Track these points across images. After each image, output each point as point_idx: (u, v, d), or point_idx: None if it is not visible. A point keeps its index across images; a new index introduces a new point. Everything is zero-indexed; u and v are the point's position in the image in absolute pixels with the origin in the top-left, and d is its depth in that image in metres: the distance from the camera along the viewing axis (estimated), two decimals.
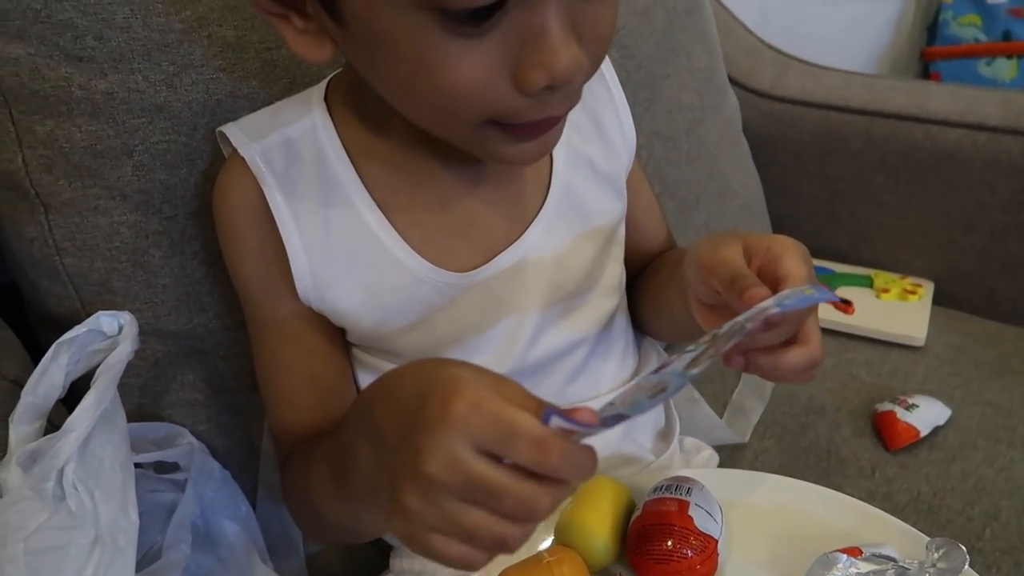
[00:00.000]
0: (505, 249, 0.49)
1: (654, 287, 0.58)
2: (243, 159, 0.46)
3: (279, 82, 0.54)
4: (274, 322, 0.49)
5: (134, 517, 0.44)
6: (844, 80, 1.00)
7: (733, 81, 1.01)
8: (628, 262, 0.59)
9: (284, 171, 0.47)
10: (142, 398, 0.54)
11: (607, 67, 0.55)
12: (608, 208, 0.54)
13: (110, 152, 0.50)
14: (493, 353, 0.50)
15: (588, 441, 0.34)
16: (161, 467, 0.54)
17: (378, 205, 0.47)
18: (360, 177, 0.47)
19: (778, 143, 1.00)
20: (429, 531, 0.32)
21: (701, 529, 0.46)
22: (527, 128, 0.41)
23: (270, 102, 0.52)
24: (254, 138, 0.47)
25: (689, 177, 0.86)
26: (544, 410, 0.32)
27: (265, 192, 0.46)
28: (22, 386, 0.49)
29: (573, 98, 0.41)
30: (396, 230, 0.47)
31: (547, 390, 0.51)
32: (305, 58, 0.42)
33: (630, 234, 0.59)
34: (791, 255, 0.42)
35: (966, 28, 1.38)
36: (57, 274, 0.52)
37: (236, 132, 0.47)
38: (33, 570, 0.41)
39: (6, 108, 0.49)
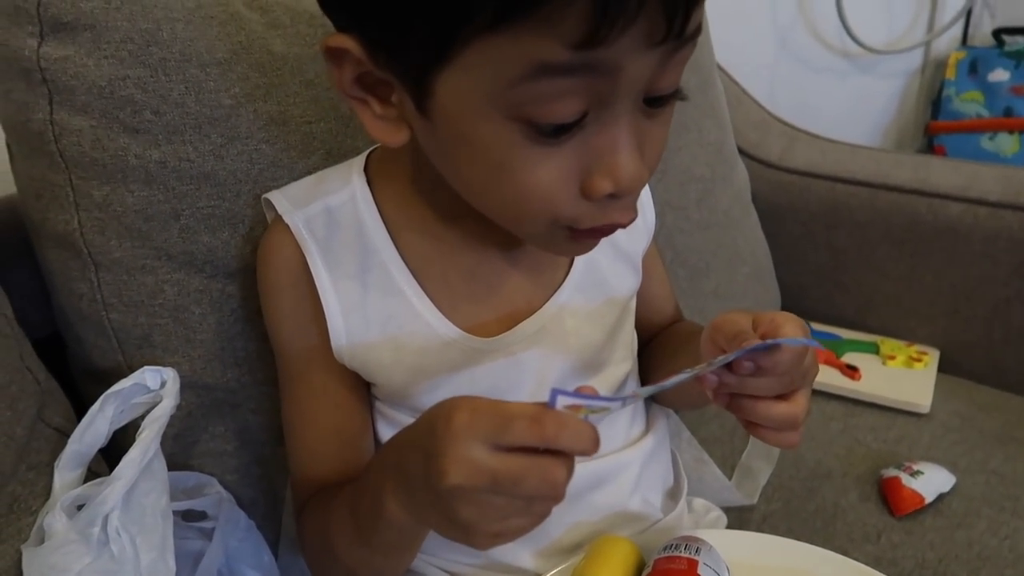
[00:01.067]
0: (528, 317, 0.53)
1: (665, 356, 0.61)
2: (287, 225, 0.50)
3: (316, 153, 0.59)
4: (305, 375, 0.52)
5: (172, 564, 0.46)
6: (850, 153, 1.04)
7: (742, 152, 1.05)
8: (638, 330, 0.62)
9: (325, 238, 0.50)
10: (174, 447, 0.57)
11: None
12: (625, 284, 0.58)
13: (159, 216, 0.54)
14: None
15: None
16: (189, 515, 0.56)
17: (411, 272, 0.50)
18: (395, 245, 0.51)
19: (786, 213, 1.03)
20: (480, 528, 0.37)
21: None
22: (591, 232, 0.44)
23: (308, 172, 0.56)
24: (297, 206, 0.51)
25: (700, 245, 0.89)
26: (549, 397, 0.36)
27: (307, 257, 0.50)
28: (65, 433, 0.52)
29: (632, 209, 0.44)
30: (428, 296, 0.50)
31: None
32: (380, 141, 0.44)
33: (641, 305, 0.62)
34: (791, 324, 0.44)
35: (968, 104, 1.42)
36: (103, 328, 0.55)
37: (281, 200, 0.51)
38: None
39: (66, 174, 0.53)
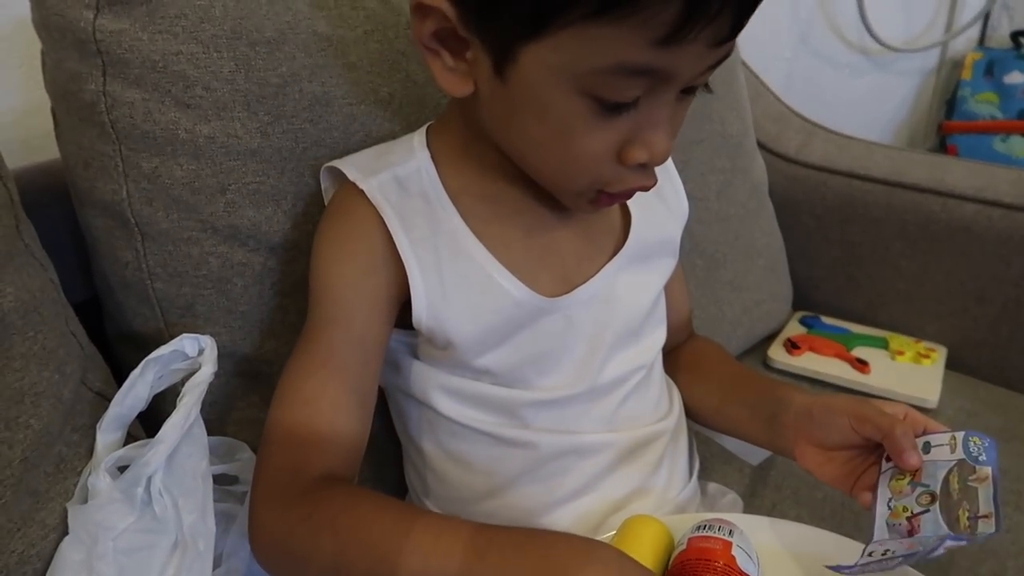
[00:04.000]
0: (584, 282, 0.56)
1: (710, 397, 0.66)
2: (361, 191, 0.51)
3: (356, 135, 0.60)
4: (348, 319, 0.52)
5: (212, 525, 0.48)
6: (867, 150, 1.05)
7: (761, 145, 1.06)
8: None
9: (397, 203, 0.52)
10: (210, 413, 0.58)
11: None
12: (667, 263, 0.63)
13: (206, 189, 0.55)
14: (569, 374, 0.56)
15: None
16: (222, 479, 0.57)
17: (476, 236, 0.53)
18: (460, 212, 0.53)
19: (802, 207, 1.05)
20: None
21: (743, 569, 0.49)
22: (614, 196, 0.51)
23: (349, 150, 0.58)
24: (367, 174, 0.52)
25: (717, 236, 0.90)
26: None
27: (386, 221, 0.51)
28: (105, 397, 0.54)
29: (654, 176, 0.50)
30: (495, 257, 0.53)
31: (603, 411, 0.57)
32: (446, 90, 0.48)
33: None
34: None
35: (983, 105, 1.44)
36: (146, 296, 0.57)
37: (351, 168, 0.53)
38: (120, 567, 0.45)
39: (116, 144, 0.54)
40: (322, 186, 0.58)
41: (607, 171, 0.48)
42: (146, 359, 0.50)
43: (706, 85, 0.48)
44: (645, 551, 0.50)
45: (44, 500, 0.47)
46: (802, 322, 1.03)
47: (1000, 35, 1.54)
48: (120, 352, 0.61)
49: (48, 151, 0.62)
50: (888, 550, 0.47)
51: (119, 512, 0.46)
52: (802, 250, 1.05)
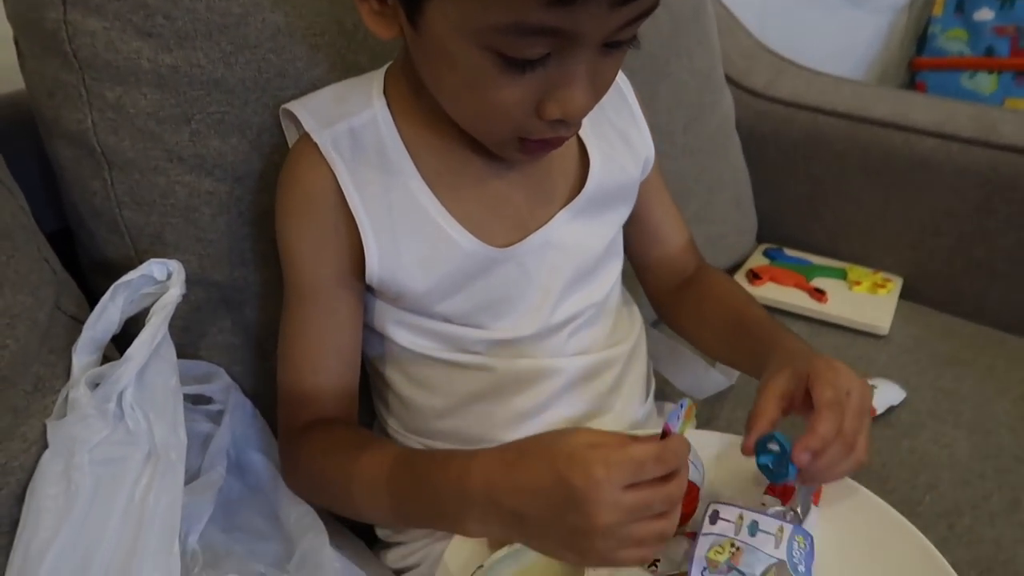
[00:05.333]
0: (536, 231, 0.57)
1: (721, 334, 0.66)
2: (315, 144, 0.53)
3: (320, 65, 0.61)
4: (318, 294, 0.56)
5: (183, 437, 0.50)
6: (834, 86, 1.07)
7: (730, 80, 1.07)
8: (652, 267, 0.70)
9: (351, 158, 0.53)
10: (184, 339, 0.60)
11: (628, 89, 0.65)
12: (624, 208, 0.64)
13: (171, 119, 0.56)
14: (522, 317, 0.58)
15: None
16: (199, 400, 0.60)
17: (430, 188, 0.54)
18: (415, 164, 0.54)
19: (768, 141, 1.06)
20: (616, 555, 0.42)
21: (688, 478, 0.53)
22: (538, 144, 0.51)
23: (313, 83, 0.59)
24: (323, 124, 0.53)
25: (684, 170, 0.92)
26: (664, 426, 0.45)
27: (338, 177, 0.53)
28: (80, 321, 0.56)
29: (576, 128, 0.52)
30: (447, 210, 0.54)
31: (555, 342, 0.60)
32: (374, 32, 0.49)
33: (648, 234, 0.69)
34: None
35: (952, 42, 1.45)
36: (116, 225, 0.58)
37: (306, 116, 0.54)
38: (97, 477, 0.47)
39: (80, 74, 0.55)
40: (283, 124, 0.59)
41: (525, 123, 0.48)
42: (115, 284, 0.52)
43: (634, 39, 0.47)
44: None
45: (24, 416, 0.49)
46: (766, 254, 1.06)
47: None
48: (93, 280, 0.62)
49: (15, 82, 0.63)
50: None
51: (93, 426, 0.48)
52: (768, 184, 1.07)
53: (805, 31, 1.42)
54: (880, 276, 1.00)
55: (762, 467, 0.54)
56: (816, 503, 0.55)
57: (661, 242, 0.70)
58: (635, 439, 0.43)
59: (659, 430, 0.46)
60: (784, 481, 0.53)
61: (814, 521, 0.54)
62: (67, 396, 0.50)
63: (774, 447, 0.52)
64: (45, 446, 0.49)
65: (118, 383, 0.49)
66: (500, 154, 0.54)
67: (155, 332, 0.50)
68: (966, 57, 1.43)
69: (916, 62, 1.49)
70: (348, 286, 0.56)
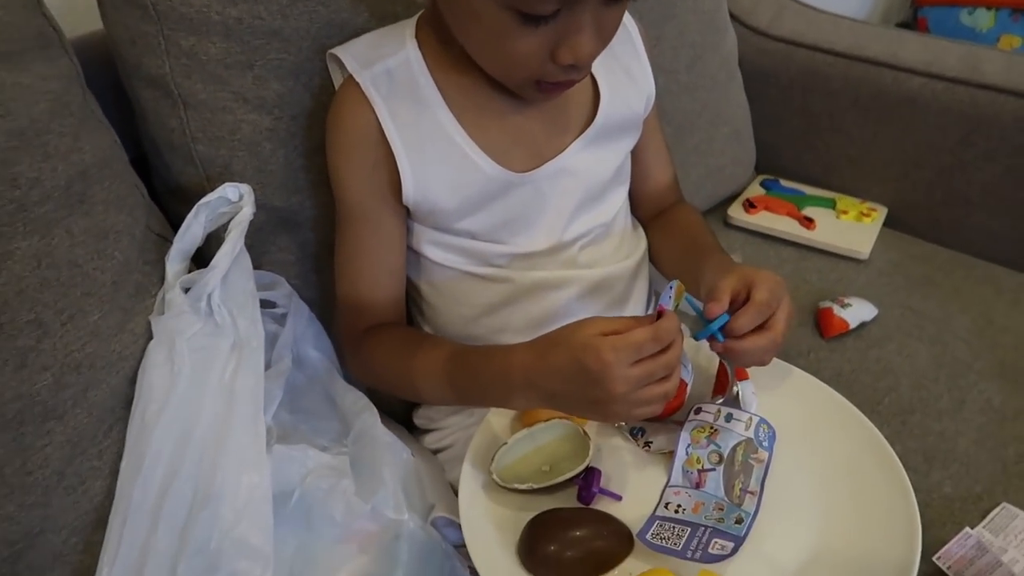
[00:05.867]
0: (552, 159, 0.67)
1: (676, 254, 0.76)
2: (357, 84, 0.62)
3: (362, 15, 0.69)
4: (368, 216, 0.65)
5: (261, 330, 0.61)
6: (833, 24, 1.13)
7: (734, 18, 1.13)
8: (636, 197, 0.78)
9: (388, 95, 0.62)
10: (251, 255, 0.70)
11: (634, 29, 0.72)
12: (630, 138, 0.73)
13: (237, 65, 0.65)
14: (538, 234, 0.68)
15: None
16: (264, 305, 0.69)
17: (456, 120, 0.63)
18: (444, 99, 0.63)
19: (768, 78, 1.13)
20: (631, 413, 0.54)
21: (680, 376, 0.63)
22: (552, 86, 0.60)
23: (357, 30, 0.68)
24: (363, 66, 0.62)
25: (686, 106, 1.00)
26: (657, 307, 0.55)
27: (377, 113, 0.62)
28: (164, 238, 0.66)
29: (586, 71, 0.60)
30: (472, 139, 0.63)
31: (567, 256, 0.70)
32: None
33: (637, 173, 0.77)
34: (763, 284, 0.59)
35: None
36: (190, 157, 0.68)
37: (349, 59, 0.63)
38: (193, 361, 0.58)
39: (158, 25, 0.63)
40: (329, 68, 0.67)
41: (541, 68, 0.57)
42: (198, 203, 0.62)
43: None
44: None
45: (130, 314, 0.60)
46: (762, 184, 1.14)
47: None
48: (167, 203, 0.72)
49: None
50: (679, 506, 0.59)
51: (188, 320, 0.59)
52: (766, 118, 1.14)
53: None
54: (866, 206, 1.08)
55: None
56: (744, 378, 0.66)
57: (648, 177, 0.79)
58: (637, 321, 0.53)
59: None
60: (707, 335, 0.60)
61: (754, 405, 0.65)
62: (163, 297, 0.61)
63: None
64: (148, 338, 0.60)
65: (207, 286, 0.59)
66: (520, 94, 0.63)
67: (235, 244, 0.60)
68: None
69: None
70: (392, 209, 0.65)
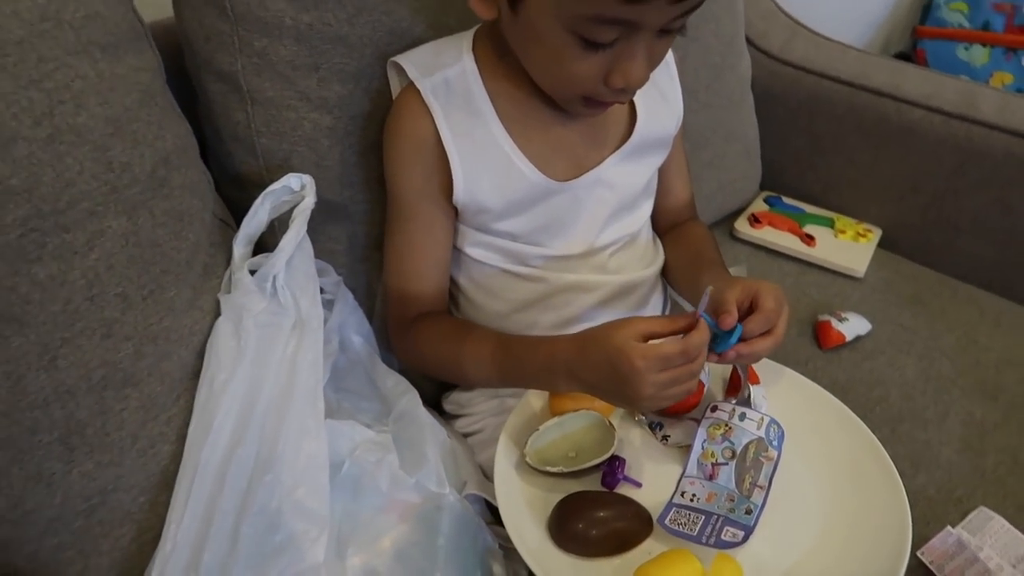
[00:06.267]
0: (590, 170, 0.72)
1: (682, 264, 0.82)
2: (417, 91, 0.67)
3: (420, 25, 0.74)
4: (420, 212, 0.70)
5: (320, 310, 0.65)
6: (841, 53, 1.19)
7: (749, 41, 1.19)
8: (656, 211, 0.83)
9: (445, 102, 0.67)
10: None
11: (670, 55, 0.78)
12: (661, 154, 0.79)
13: (304, 67, 0.70)
14: (573, 239, 0.74)
15: None
16: None
17: (506, 130, 0.68)
18: (495, 110, 0.68)
19: (778, 100, 1.20)
20: (657, 405, 0.61)
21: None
22: (599, 104, 0.66)
23: (416, 39, 0.73)
24: (424, 74, 0.67)
25: (703, 123, 1.06)
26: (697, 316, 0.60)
27: (436, 120, 0.67)
28: (227, 224, 0.71)
29: (632, 94, 0.67)
30: (519, 148, 0.69)
31: (598, 261, 0.76)
32: (477, 13, 0.63)
33: (660, 188, 0.82)
34: (768, 295, 0.65)
35: (954, 14, 1.56)
36: (253, 149, 0.72)
37: (410, 67, 0.68)
38: (258, 337, 0.63)
39: (234, 25, 0.68)
40: (388, 74, 0.72)
41: (594, 89, 0.62)
42: (265, 191, 0.67)
43: (683, 28, 0.62)
44: None
45: (199, 292, 0.64)
46: (766, 200, 1.21)
47: None
48: (225, 190, 0.77)
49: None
50: (694, 495, 0.65)
51: (255, 299, 0.64)
52: (773, 138, 1.21)
53: None
54: (863, 226, 1.15)
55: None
56: (755, 382, 0.72)
57: (670, 193, 0.85)
58: (672, 323, 0.59)
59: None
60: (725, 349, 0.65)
61: (764, 407, 0.71)
62: (230, 277, 0.66)
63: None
64: (215, 316, 0.65)
65: (273, 268, 0.64)
66: (568, 109, 0.68)
67: (299, 231, 0.65)
68: (964, 30, 1.54)
69: (918, 30, 1.60)
70: (443, 210, 0.71)
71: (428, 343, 0.73)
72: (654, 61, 0.63)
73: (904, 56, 1.66)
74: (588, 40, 0.58)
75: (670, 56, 0.78)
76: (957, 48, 1.54)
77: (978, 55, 1.52)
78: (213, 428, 0.60)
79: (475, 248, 0.73)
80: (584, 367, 0.61)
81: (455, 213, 0.72)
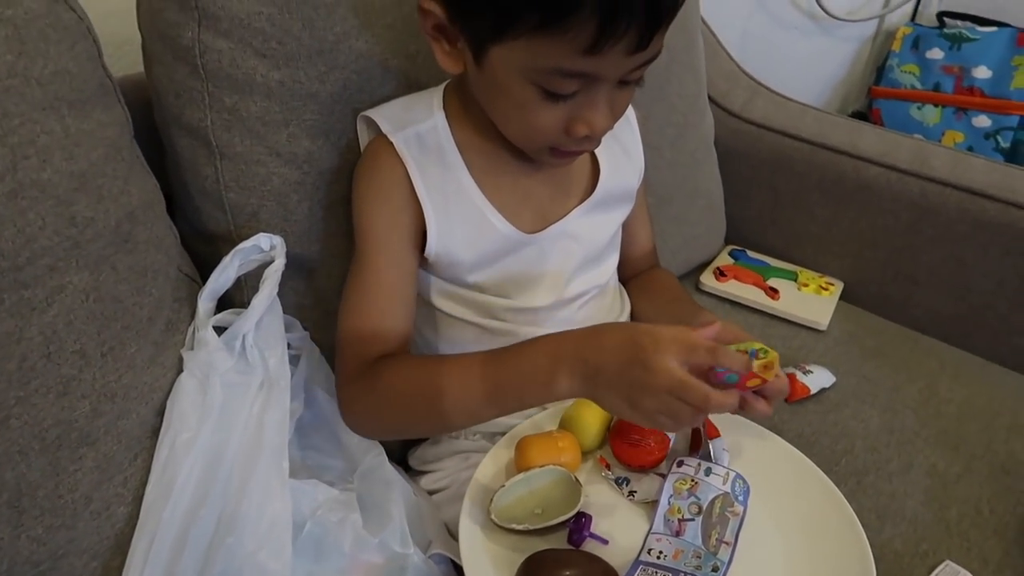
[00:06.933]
0: (557, 221, 0.73)
1: (658, 307, 0.83)
2: (391, 143, 0.68)
3: (391, 83, 0.75)
4: (388, 249, 0.69)
5: (287, 370, 0.65)
6: (800, 112, 1.23)
7: (711, 100, 1.23)
8: (621, 260, 0.84)
9: (418, 156, 0.68)
10: None
11: (631, 112, 0.80)
12: (625, 207, 0.80)
13: (274, 123, 0.70)
14: (541, 291, 0.74)
15: None
16: None
17: (476, 183, 0.69)
18: (465, 163, 0.69)
19: (740, 157, 1.23)
20: (655, 417, 0.55)
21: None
22: (565, 153, 0.67)
23: (384, 96, 0.74)
24: (396, 128, 0.68)
25: (667, 179, 1.08)
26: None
27: (409, 170, 0.68)
28: (193, 279, 0.71)
29: (597, 142, 0.67)
30: (489, 201, 0.70)
31: (566, 314, 0.76)
32: (444, 67, 0.65)
33: (624, 237, 0.84)
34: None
35: (906, 75, 1.62)
36: (221, 204, 0.72)
37: (383, 121, 0.69)
38: (224, 396, 0.62)
39: (205, 82, 0.68)
40: (358, 127, 0.73)
41: (557, 139, 0.64)
42: (235, 249, 0.66)
43: (641, 79, 0.63)
44: (594, 414, 0.71)
45: (161, 349, 0.63)
46: (731, 254, 1.23)
47: (929, 13, 1.71)
48: (192, 244, 0.76)
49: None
50: (661, 552, 0.64)
51: (222, 357, 0.63)
52: (737, 193, 1.24)
53: (781, 54, 1.59)
54: (825, 280, 1.18)
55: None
56: (715, 436, 0.72)
57: (634, 243, 0.87)
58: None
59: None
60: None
61: (725, 459, 0.71)
62: (194, 333, 0.65)
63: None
64: (177, 372, 0.64)
65: (243, 327, 0.64)
66: (536, 159, 0.69)
67: (270, 291, 0.65)
68: (916, 90, 1.61)
69: (874, 90, 1.67)
70: (411, 250, 0.70)
71: (398, 376, 0.66)
72: (616, 111, 0.64)
73: (861, 114, 1.72)
74: (549, 92, 0.60)
75: (631, 112, 0.80)
76: (910, 108, 1.60)
77: (930, 115, 1.58)
78: (175, 489, 0.58)
79: (444, 300, 0.74)
80: (596, 347, 0.57)
81: (423, 262, 0.72)
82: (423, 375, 0.65)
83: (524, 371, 0.61)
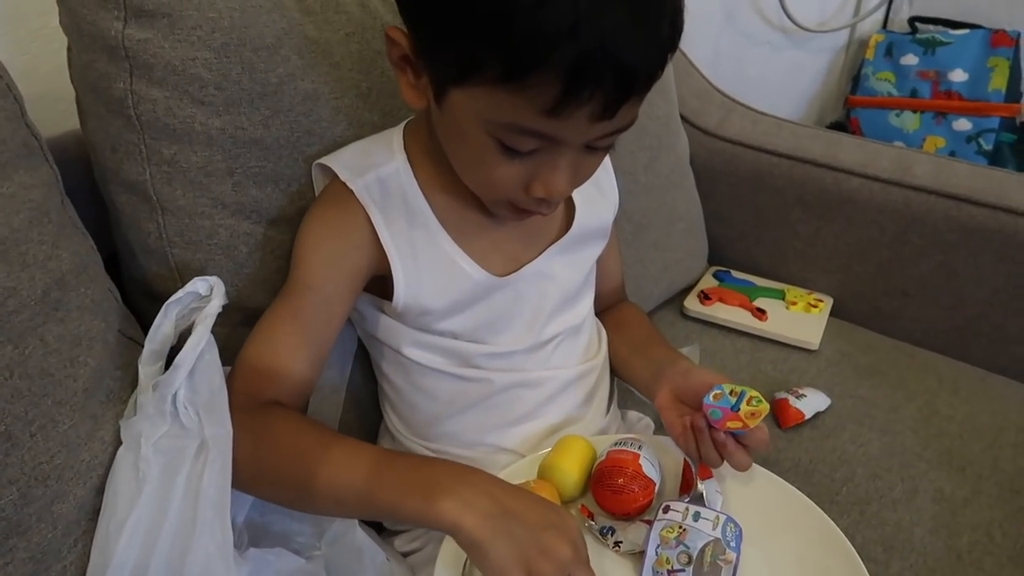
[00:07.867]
0: (528, 263, 0.69)
1: (628, 350, 0.80)
2: (351, 190, 0.64)
3: (341, 124, 0.71)
4: (322, 287, 0.64)
5: (229, 429, 0.59)
6: (776, 127, 1.20)
7: (685, 120, 1.20)
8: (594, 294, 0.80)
9: (380, 202, 0.64)
10: (224, 352, 0.70)
11: None
12: (599, 246, 0.77)
13: (217, 172, 0.67)
14: (516, 334, 0.70)
15: None
16: None
17: (443, 227, 0.65)
18: (431, 206, 0.65)
19: (718, 176, 1.20)
20: (539, 565, 0.50)
21: (646, 474, 0.65)
22: (523, 211, 0.63)
23: (337, 140, 0.70)
24: (356, 175, 0.64)
25: (644, 204, 1.05)
26: None
27: (372, 217, 0.64)
28: (136, 342, 0.66)
29: (556, 206, 0.63)
30: (458, 245, 0.66)
31: (542, 355, 0.72)
32: (408, 102, 0.61)
33: (597, 272, 0.79)
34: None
35: (882, 83, 1.60)
36: (166, 261, 0.68)
37: (342, 169, 0.65)
38: (159, 466, 0.57)
39: (141, 134, 0.65)
40: (313, 175, 0.69)
41: (515, 195, 0.60)
42: (166, 302, 0.61)
43: (611, 145, 0.58)
44: (574, 461, 0.66)
45: (101, 422, 0.59)
46: (715, 276, 1.19)
47: (901, 20, 1.70)
48: (138, 304, 0.72)
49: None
50: None
51: (155, 423, 0.58)
52: (717, 214, 1.20)
53: (754, 69, 1.57)
54: (814, 296, 1.14)
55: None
56: (708, 476, 0.67)
57: (606, 277, 0.83)
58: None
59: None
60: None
61: (718, 502, 0.66)
62: (135, 401, 0.60)
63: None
64: (117, 445, 0.59)
65: (171, 386, 0.58)
66: (494, 211, 0.65)
67: (199, 340, 0.59)
68: (893, 97, 1.59)
69: (851, 100, 1.65)
70: (347, 295, 0.66)
71: (286, 431, 0.59)
72: (580, 176, 0.60)
73: (839, 125, 1.70)
74: (507, 146, 0.56)
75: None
76: (889, 115, 1.58)
77: (909, 121, 1.56)
78: (108, 574, 0.53)
79: (414, 349, 0.69)
80: (516, 494, 0.54)
81: (392, 311, 0.68)
82: (311, 441, 0.58)
83: (413, 479, 0.55)
